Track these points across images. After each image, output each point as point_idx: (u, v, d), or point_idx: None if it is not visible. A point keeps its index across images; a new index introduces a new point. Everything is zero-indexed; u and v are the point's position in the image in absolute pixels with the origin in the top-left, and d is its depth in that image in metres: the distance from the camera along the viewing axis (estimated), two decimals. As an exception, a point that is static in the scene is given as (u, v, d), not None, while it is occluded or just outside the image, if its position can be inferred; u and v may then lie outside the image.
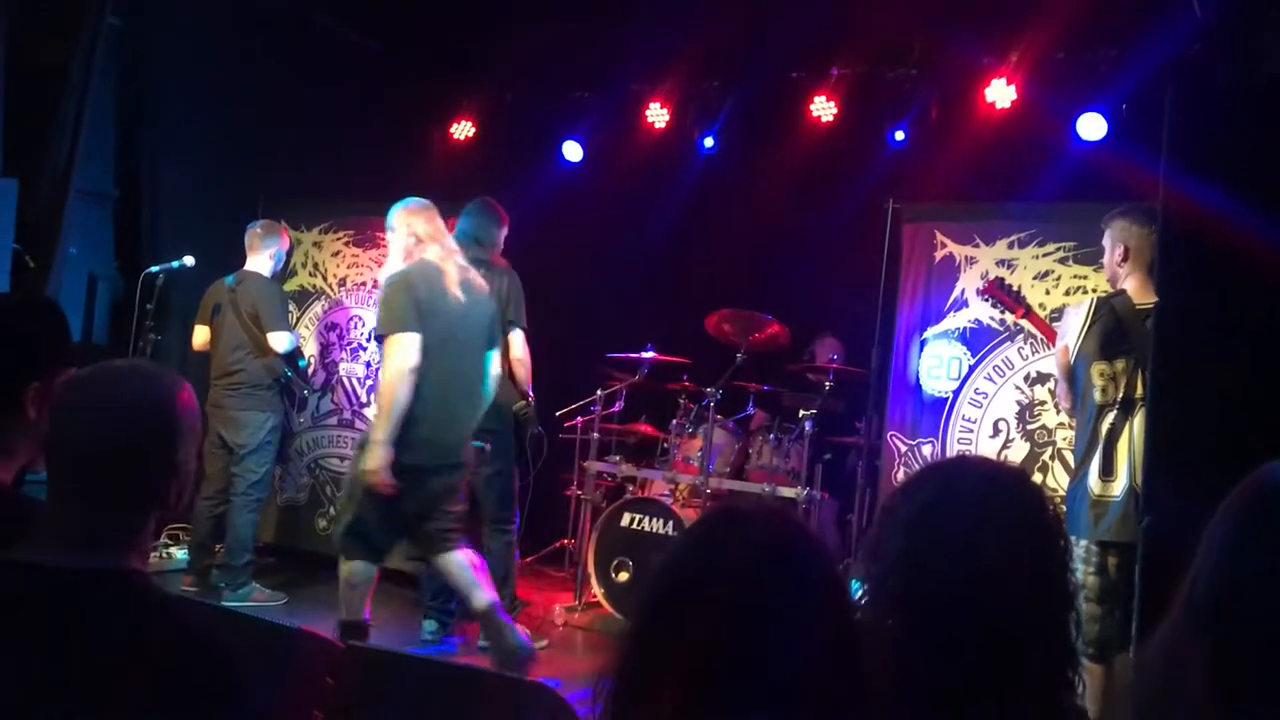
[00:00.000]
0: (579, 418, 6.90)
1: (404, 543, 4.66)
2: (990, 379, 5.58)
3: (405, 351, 4.23)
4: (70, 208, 5.62)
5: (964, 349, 5.66)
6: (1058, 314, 5.00)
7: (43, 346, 2.04)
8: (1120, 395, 3.79)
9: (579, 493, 6.74)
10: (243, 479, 5.70)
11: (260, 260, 5.86)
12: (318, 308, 7.01)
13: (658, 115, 7.29)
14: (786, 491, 6.02)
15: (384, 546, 4.44)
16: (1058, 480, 5.21)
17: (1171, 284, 3.05)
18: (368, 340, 6.77)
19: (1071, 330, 3.93)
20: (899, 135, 6.63)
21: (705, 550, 1.29)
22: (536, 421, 5.43)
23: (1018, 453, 5.44)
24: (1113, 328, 3.82)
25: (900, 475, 5.64)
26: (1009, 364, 5.55)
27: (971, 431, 5.61)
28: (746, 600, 1.21)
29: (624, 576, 6.00)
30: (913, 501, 1.52)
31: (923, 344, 5.77)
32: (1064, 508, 3.93)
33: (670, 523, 5.96)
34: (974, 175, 6.40)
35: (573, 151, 7.63)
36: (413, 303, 4.31)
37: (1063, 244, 5.46)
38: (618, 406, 7.00)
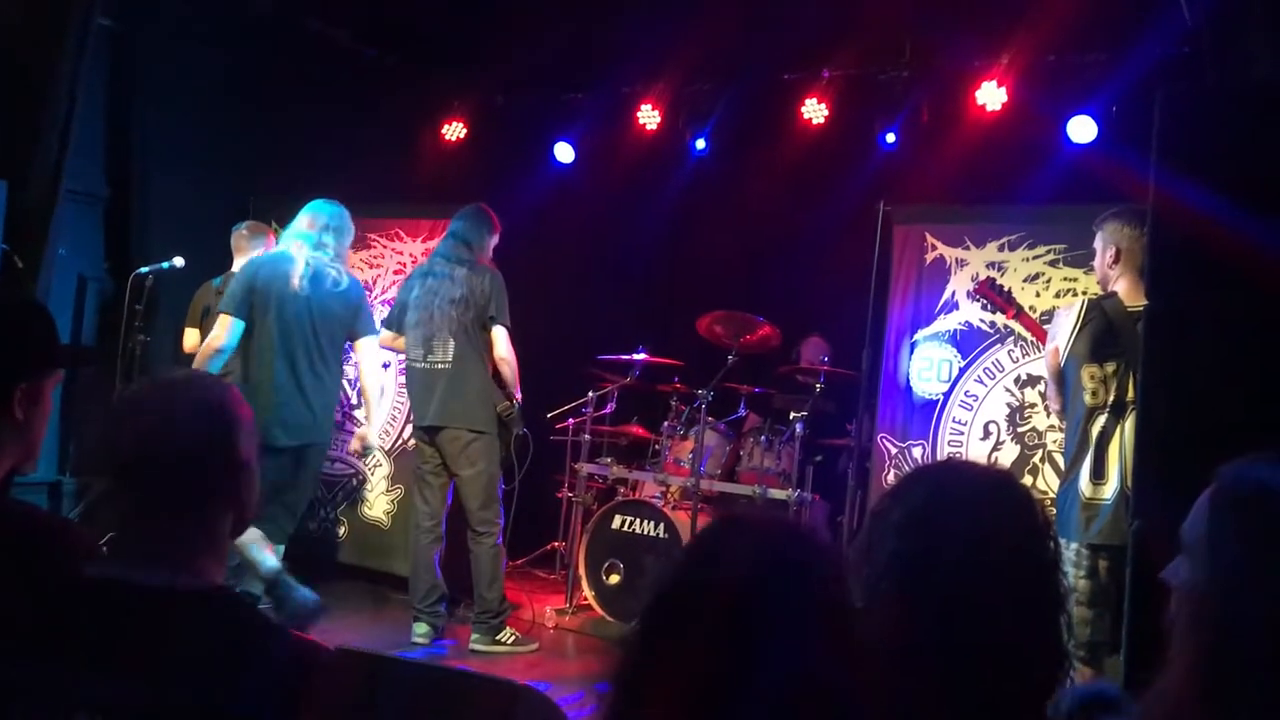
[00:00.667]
0: (570, 419, 6.89)
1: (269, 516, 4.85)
2: (980, 381, 5.59)
3: (217, 330, 4.90)
4: (60, 208, 5.60)
5: (954, 351, 5.66)
6: (1048, 316, 5.01)
7: (30, 348, 2.03)
8: (1111, 398, 3.79)
9: (570, 495, 6.74)
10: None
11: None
12: (308, 309, 6.98)
13: (649, 117, 7.28)
14: (777, 493, 6.02)
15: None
16: (1048, 483, 5.22)
17: (1161, 287, 3.05)
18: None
19: (1062, 332, 3.93)
20: (890, 137, 6.62)
21: (708, 557, 1.29)
22: (521, 423, 5.41)
23: (1008, 455, 5.45)
24: (1103, 330, 3.82)
25: (891, 478, 5.65)
26: (999, 366, 5.56)
27: (962, 434, 5.62)
28: (748, 609, 1.20)
29: (615, 579, 5.99)
30: (903, 505, 1.52)
31: (913, 346, 5.77)
32: (1054, 510, 3.94)
33: (661, 525, 5.96)
34: (965, 177, 6.41)
35: (564, 153, 7.63)
36: (245, 290, 4.90)
37: (1053, 246, 5.47)
38: (609, 408, 7.00)
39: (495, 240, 5.51)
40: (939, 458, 5.57)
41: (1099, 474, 3.76)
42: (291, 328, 4.94)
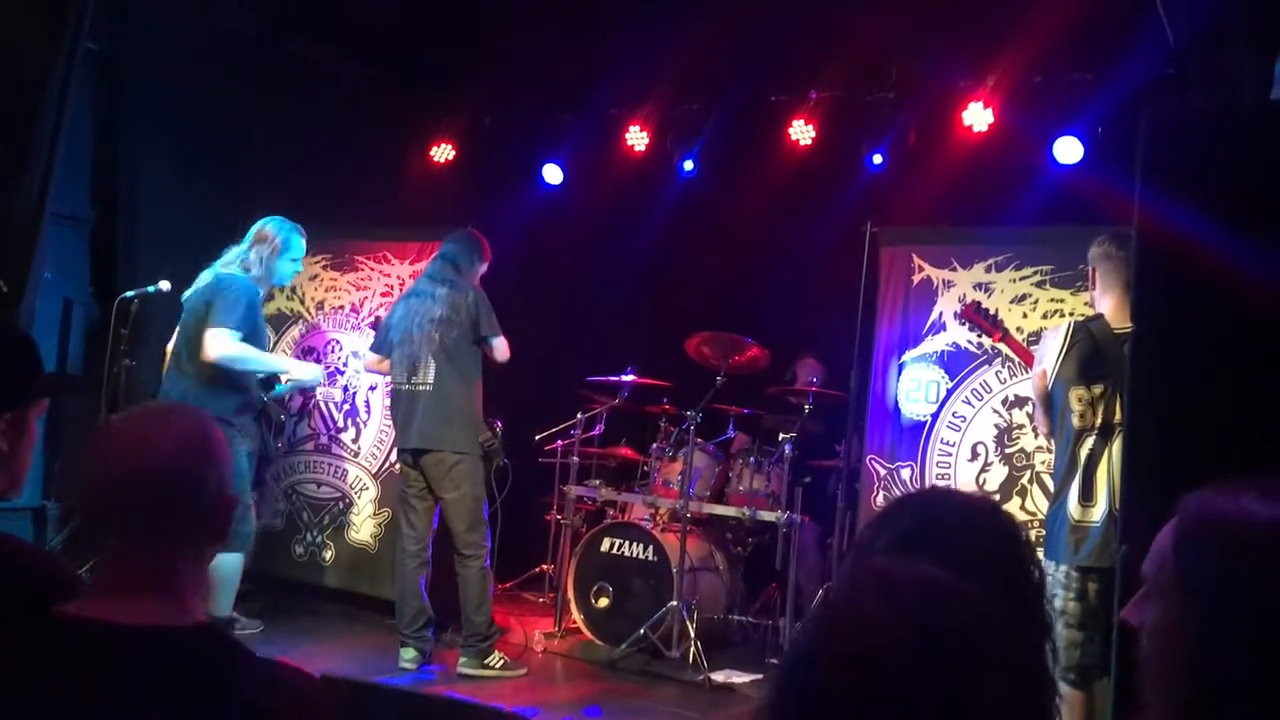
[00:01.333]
0: (559, 441, 6.87)
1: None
2: (968, 402, 5.58)
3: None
4: (45, 232, 5.58)
5: (942, 372, 5.66)
6: (1035, 337, 5.02)
7: (14, 378, 2.01)
8: (1099, 420, 3.78)
9: (559, 517, 6.71)
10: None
11: None
12: (295, 331, 6.97)
13: (638, 138, 7.30)
14: (766, 515, 6.01)
15: None
16: (1036, 504, 5.21)
17: (1146, 308, 3.05)
18: (344, 364, 6.74)
19: (1049, 355, 3.93)
20: (877, 158, 6.65)
21: (847, 625, 1.13)
22: (502, 454, 5.45)
23: (996, 476, 5.44)
24: (1091, 352, 3.82)
25: (880, 499, 5.64)
26: (987, 387, 5.56)
27: (950, 455, 5.61)
28: (895, 690, 1.08)
29: (604, 602, 5.97)
30: (889, 533, 1.51)
31: (901, 367, 5.77)
32: (1044, 532, 3.93)
33: (650, 548, 5.93)
34: (951, 198, 6.43)
35: (553, 174, 7.64)
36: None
37: (1040, 267, 5.48)
38: (598, 430, 6.99)
39: (484, 268, 5.52)
40: (928, 479, 5.56)
41: (1087, 496, 3.75)
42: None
